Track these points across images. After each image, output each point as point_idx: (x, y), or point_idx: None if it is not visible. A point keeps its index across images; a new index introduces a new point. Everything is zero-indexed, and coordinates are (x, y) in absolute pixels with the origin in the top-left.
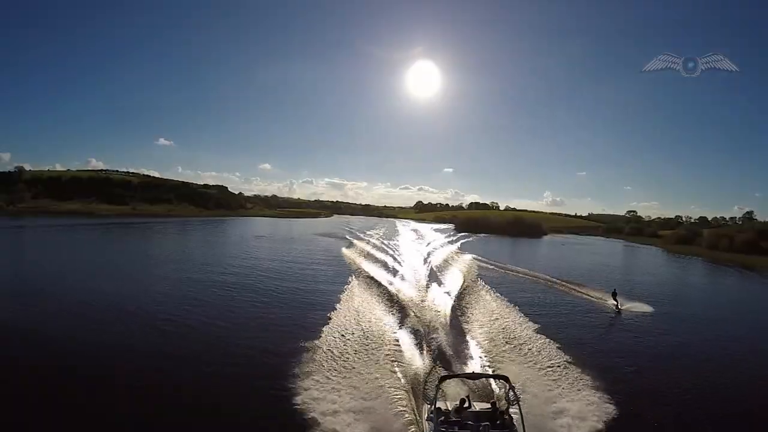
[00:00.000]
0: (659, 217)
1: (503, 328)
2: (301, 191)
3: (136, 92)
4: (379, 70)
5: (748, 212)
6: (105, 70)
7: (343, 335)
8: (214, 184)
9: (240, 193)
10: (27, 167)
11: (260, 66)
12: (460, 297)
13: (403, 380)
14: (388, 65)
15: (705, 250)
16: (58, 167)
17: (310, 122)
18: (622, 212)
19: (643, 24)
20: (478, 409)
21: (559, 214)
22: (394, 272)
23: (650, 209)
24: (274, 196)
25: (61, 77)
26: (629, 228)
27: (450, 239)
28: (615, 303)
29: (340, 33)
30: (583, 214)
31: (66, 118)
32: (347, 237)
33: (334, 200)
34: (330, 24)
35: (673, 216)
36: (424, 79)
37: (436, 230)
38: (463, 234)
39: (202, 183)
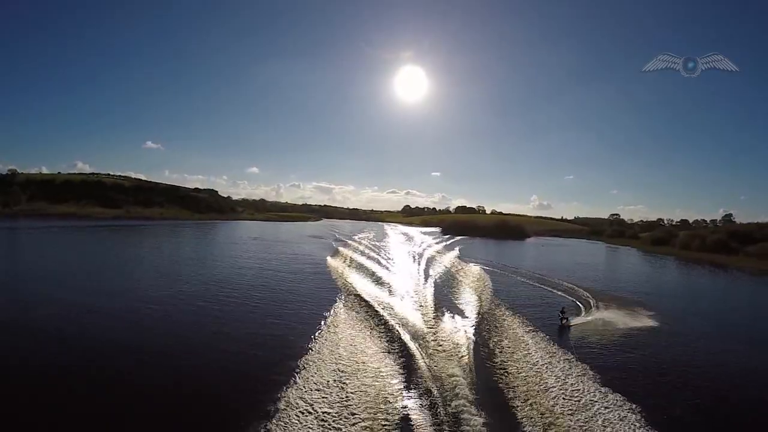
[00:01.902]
0: (642, 220)
1: (561, 390)
2: (289, 195)
3: (124, 95)
4: (367, 75)
5: (727, 215)
6: (92, 73)
7: (314, 403)
8: (201, 187)
9: (228, 196)
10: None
11: (248, 69)
12: (480, 329)
13: None
14: (376, 69)
15: (678, 250)
16: (44, 170)
17: (297, 126)
18: (608, 215)
19: (630, 29)
20: None
21: (545, 218)
22: (390, 289)
23: (636, 212)
24: (262, 200)
25: (47, 80)
26: (611, 230)
27: (440, 242)
28: (563, 318)
29: (327, 37)
30: (570, 218)
31: (51, 120)
32: (337, 240)
33: (322, 204)
34: (317, 28)
35: (656, 219)
36: (412, 83)
37: (425, 233)
38: (451, 237)
39: (188, 186)
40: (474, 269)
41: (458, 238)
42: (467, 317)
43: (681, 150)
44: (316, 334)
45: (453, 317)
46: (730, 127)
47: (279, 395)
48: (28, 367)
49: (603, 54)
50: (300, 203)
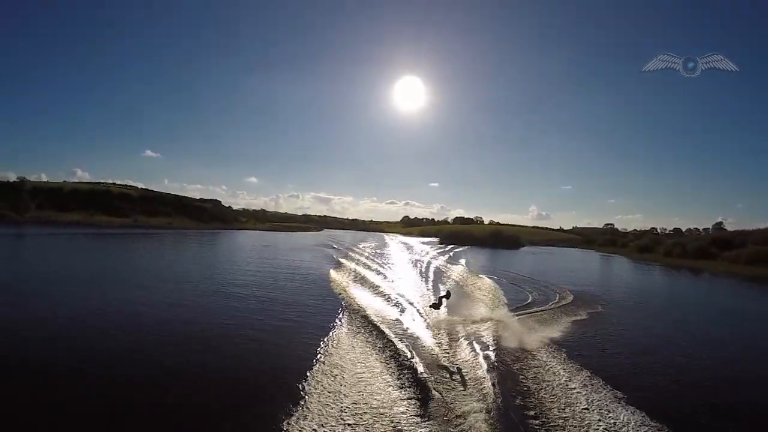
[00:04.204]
0: (635, 229)
1: None
2: (287, 205)
3: (124, 103)
4: (364, 85)
5: (717, 223)
6: (93, 81)
7: None
8: (200, 197)
9: (229, 206)
10: (13, 176)
11: (247, 80)
12: (500, 351)
13: None
14: (373, 80)
15: (661, 257)
16: (44, 177)
17: (295, 136)
18: (603, 225)
19: (628, 31)
20: None
21: (542, 228)
22: (395, 302)
23: (634, 222)
24: (263, 210)
25: (47, 87)
26: (603, 239)
27: (438, 251)
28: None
29: (324, 48)
30: (568, 228)
31: (50, 127)
32: (341, 249)
33: (321, 214)
34: (314, 39)
35: (650, 228)
36: (409, 93)
37: (424, 243)
38: (448, 246)
39: (187, 195)
40: (484, 279)
41: (455, 247)
42: (482, 336)
43: (678, 159)
44: (318, 357)
45: (468, 336)
46: (727, 137)
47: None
48: (28, 367)
49: (600, 58)
50: (299, 213)
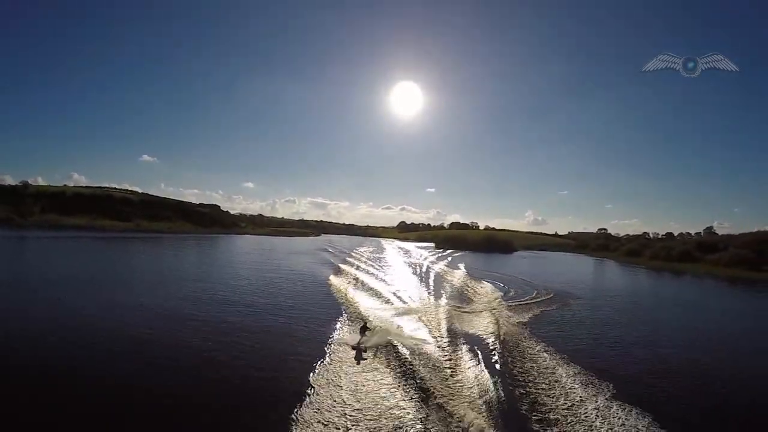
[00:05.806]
0: (627, 234)
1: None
2: (284, 210)
3: (122, 108)
4: (362, 90)
5: (708, 227)
6: (92, 86)
7: None
8: (197, 201)
9: (227, 211)
10: (9, 180)
11: (244, 85)
12: (503, 355)
13: None
14: (371, 85)
15: (647, 260)
16: (41, 181)
17: (292, 142)
18: (596, 230)
19: (626, 37)
20: None
21: (537, 233)
22: (396, 306)
23: (630, 227)
24: (260, 215)
25: (45, 91)
26: (595, 244)
27: (433, 255)
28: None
29: (322, 53)
30: (564, 233)
31: (47, 131)
32: (340, 253)
33: (318, 220)
34: (312, 45)
35: (642, 233)
36: (406, 99)
37: (420, 247)
38: (443, 251)
39: (183, 200)
40: (476, 279)
41: (451, 252)
42: (474, 325)
43: (675, 164)
44: (319, 357)
45: (467, 341)
46: (726, 140)
47: None
48: (28, 367)
49: (600, 61)
50: (295, 218)
